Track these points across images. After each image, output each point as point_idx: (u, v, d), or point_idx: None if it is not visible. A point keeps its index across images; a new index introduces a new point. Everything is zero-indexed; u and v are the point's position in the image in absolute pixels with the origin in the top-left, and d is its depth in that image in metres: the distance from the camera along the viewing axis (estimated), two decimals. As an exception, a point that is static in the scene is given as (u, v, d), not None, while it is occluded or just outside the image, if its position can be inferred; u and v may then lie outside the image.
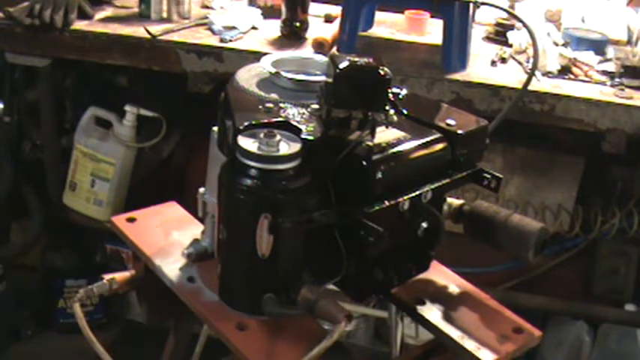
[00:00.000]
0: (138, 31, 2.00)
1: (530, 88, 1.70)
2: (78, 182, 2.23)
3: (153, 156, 2.30)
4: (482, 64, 1.96)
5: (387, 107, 0.88)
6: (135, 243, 1.08)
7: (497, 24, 2.18)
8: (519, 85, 1.80)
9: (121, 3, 2.26)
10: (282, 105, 0.92)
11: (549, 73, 1.90)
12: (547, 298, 2.26)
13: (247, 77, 1.00)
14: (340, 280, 0.90)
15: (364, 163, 0.85)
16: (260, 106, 0.92)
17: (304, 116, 0.90)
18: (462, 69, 1.89)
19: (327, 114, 0.88)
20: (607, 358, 2.27)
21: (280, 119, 0.88)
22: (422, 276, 1.02)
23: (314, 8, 2.19)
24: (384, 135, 0.89)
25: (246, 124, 0.85)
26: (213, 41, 1.98)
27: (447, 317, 0.95)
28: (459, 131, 0.94)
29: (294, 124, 0.87)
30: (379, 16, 2.24)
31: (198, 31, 2.05)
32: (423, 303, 0.97)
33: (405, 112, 0.96)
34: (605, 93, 1.82)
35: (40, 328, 2.44)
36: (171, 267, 1.02)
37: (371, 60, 0.87)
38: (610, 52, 2.06)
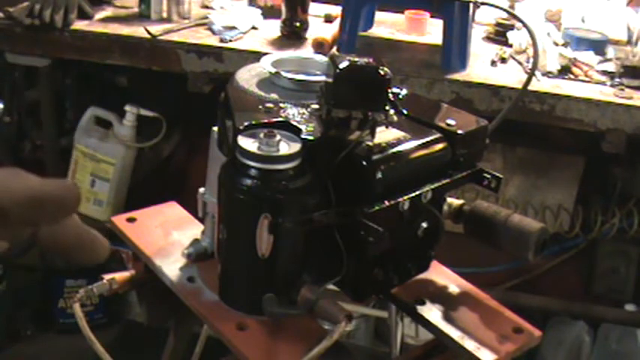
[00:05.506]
0: (138, 31, 2.00)
1: (530, 88, 1.71)
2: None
3: (153, 156, 2.30)
4: (482, 64, 1.96)
5: (387, 107, 0.88)
6: (135, 243, 1.08)
7: (497, 24, 2.18)
8: (519, 85, 1.80)
9: (121, 3, 2.26)
10: (282, 105, 0.92)
11: (549, 73, 1.90)
12: (547, 298, 2.26)
13: (247, 77, 1.00)
14: (340, 280, 0.90)
15: (364, 163, 0.84)
16: (260, 106, 0.92)
17: (304, 116, 0.90)
18: (462, 69, 1.89)
19: (327, 114, 0.87)
20: (607, 358, 2.27)
21: (280, 119, 0.88)
22: (422, 276, 1.01)
23: (314, 8, 2.18)
24: (384, 135, 0.89)
25: (246, 124, 0.85)
26: (213, 41, 1.98)
27: (447, 317, 0.95)
28: (459, 131, 0.94)
29: (294, 124, 0.87)
30: (379, 16, 2.24)
31: (198, 31, 2.05)
32: (423, 303, 0.97)
33: (405, 112, 0.96)
34: (605, 93, 1.82)
35: (40, 328, 2.44)
36: (172, 267, 1.02)
37: (371, 60, 0.87)
38: (610, 52, 2.06)
